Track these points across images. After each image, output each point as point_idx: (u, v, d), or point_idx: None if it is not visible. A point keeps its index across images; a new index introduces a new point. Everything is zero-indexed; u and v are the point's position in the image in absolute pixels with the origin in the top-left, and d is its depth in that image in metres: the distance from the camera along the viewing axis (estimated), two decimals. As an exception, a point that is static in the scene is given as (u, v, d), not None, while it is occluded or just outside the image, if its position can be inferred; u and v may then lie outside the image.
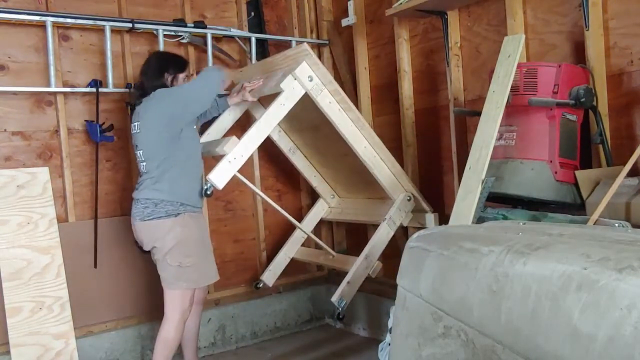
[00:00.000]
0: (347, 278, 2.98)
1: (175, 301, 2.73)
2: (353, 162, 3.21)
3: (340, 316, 2.94)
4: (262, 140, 2.80)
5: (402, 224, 3.15)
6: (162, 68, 2.84)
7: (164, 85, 2.81)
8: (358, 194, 3.63)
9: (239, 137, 2.76)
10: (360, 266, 3.01)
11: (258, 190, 3.25)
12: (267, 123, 2.78)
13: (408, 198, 3.12)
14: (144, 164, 2.75)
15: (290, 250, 3.68)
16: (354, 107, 2.96)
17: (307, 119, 3.26)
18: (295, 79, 2.81)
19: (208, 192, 2.66)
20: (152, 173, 2.72)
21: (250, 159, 3.79)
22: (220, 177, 2.65)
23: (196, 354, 3.01)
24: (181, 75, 2.88)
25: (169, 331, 2.72)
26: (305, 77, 2.82)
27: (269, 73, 3.07)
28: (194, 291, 2.82)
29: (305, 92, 2.83)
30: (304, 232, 3.49)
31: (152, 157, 2.72)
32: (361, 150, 3.02)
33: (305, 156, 3.68)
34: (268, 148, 3.89)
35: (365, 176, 3.28)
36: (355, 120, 2.97)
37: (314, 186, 3.74)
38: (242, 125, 3.39)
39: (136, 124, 2.75)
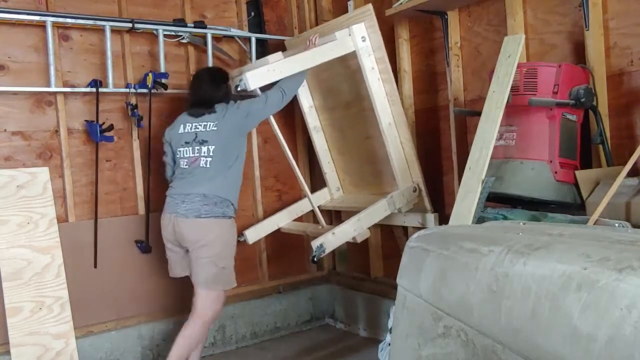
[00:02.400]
0: (334, 230, 2.98)
1: (209, 301, 2.81)
2: (371, 148, 3.32)
3: (315, 259, 2.88)
4: (300, 69, 2.93)
5: (401, 210, 3.16)
6: (219, 80, 3.00)
7: (228, 92, 3.00)
8: (364, 188, 3.65)
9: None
10: (350, 225, 3.00)
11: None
12: (312, 57, 2.95)
13: (414, 189, 3.14)
14: (209, 159, 2.83)
15: (282, 219, 3.66)
16: (393, 80, 3.06)
17: (343, 93, 3.40)
18: (349, 35, 2.99)
19: (238, 89, 2.80)
20: (217, 171, 2.83)
21: (251, 159, 3.79)
22: (254, 78, 2.79)
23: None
24: (229, 83, 3.06)
25: (195, 328, 2.78)
26: (359, 36, 3.00)
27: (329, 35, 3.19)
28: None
29: (354, 51, 3.01)
30: (308, 197, 3.38)
31: (224, 156, 2.85)
32: (385, 125, 3.08)
33: (326, 139, 3.73)
34: (269, 149, 3.89)
35: (377, 166, 3.35)
36: (390, 94, 3.08)
37: (324, 172, 3.77)
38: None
39: (210, 123, 2.86)
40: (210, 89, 2.96)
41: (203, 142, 2.86)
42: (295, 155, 4.00)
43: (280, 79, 2.93)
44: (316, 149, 3.74)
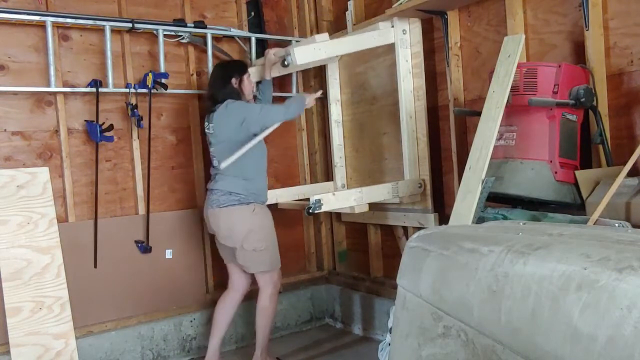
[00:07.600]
0: (336, 192, 3.07)
1: (265, 278, 3.09)
2: (386, 143, 3.43)
3: (309, 212, 2.89)
4: (343, 52, 3.22)
5: (402, 200, 3.20)
6: (227, 76, 3.08)
7: (233, 90, 3.06)
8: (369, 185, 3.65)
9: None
10: (352, 194, 3.04)
11: None
12: (354, 42, 3.13)
13: (419, 184, 3.17)
14: (215, 158, 3.06)
15: (282, 196, 3.66)
16: (423, 76, 3.14)
17: (371, 88, 3.57)
18: (392, 26, 3.14)
19: (285, 63, 2.94)
20: (223, 169, 2.99)
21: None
22: (302, 54, 2.90)
23: (220, 344, 3.22)
24: (245, 76, 3.13)
25: (264, 301, 3.12)
26: (400, 29, 3.14)
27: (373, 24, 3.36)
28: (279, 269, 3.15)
29: (392, 45, 3.16)
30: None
31: (224, 156, 2.96)
32: (406, 119, 3.15)
33: (344, 135, 3.81)
34: (268, 149, 3.88)
35: (386, 163, 3.45)
36: (417, 89, 3.17)
37: (335, 163, 3.80)
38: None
39: (211, 125, 3.02)
40: (216, 87, 3.08)
41: (210, 143, 3.08)
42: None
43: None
44: (332, 142, 3.79)
